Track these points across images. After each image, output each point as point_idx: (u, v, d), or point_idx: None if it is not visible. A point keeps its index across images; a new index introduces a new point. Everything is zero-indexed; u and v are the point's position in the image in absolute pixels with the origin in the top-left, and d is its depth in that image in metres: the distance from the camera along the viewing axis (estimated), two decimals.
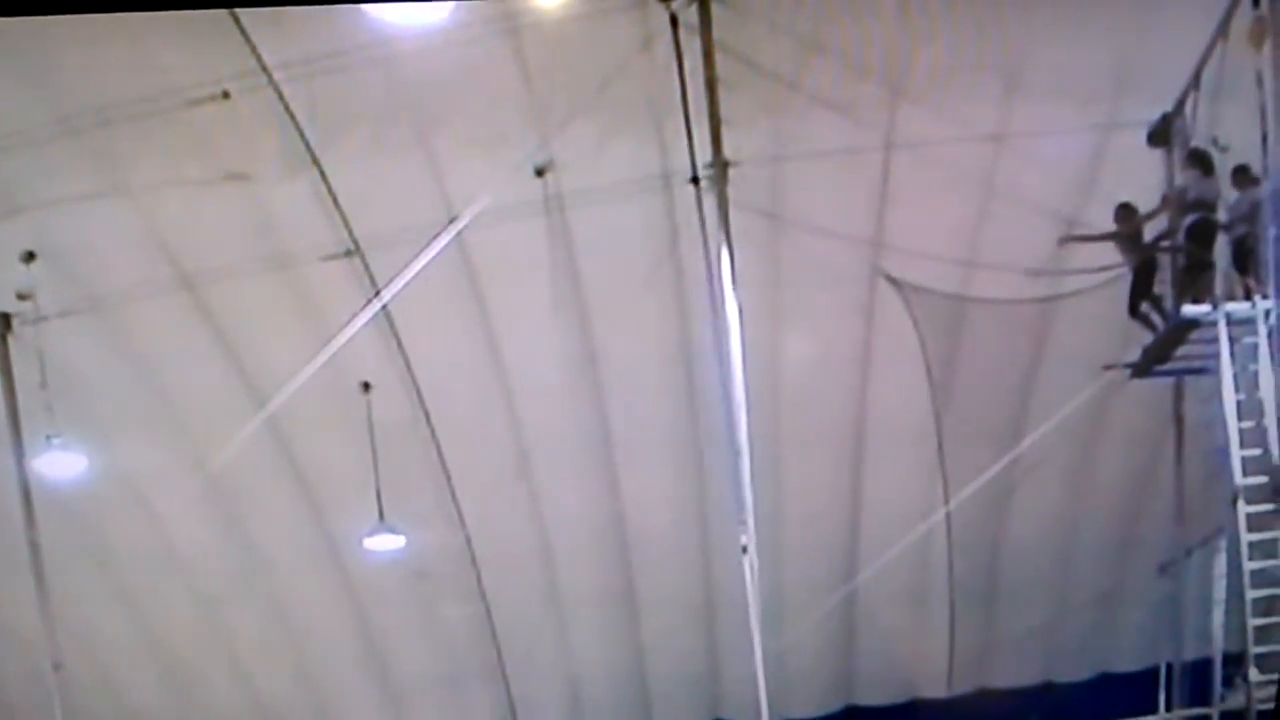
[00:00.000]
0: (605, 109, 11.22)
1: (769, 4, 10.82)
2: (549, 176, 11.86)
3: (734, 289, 11.50)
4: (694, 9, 10.81)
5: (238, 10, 10.05)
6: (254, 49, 10.56)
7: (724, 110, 11.09)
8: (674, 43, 10.87)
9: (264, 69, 10.68)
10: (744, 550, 11.70)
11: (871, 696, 16.19)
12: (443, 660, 15.40)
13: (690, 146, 11.55)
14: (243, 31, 10.41)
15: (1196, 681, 14.09)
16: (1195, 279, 11.99)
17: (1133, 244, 12.23)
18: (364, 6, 10.11)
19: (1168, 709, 14.46)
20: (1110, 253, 12.52)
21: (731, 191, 11.50)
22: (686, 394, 13.68)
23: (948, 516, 14.27)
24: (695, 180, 11.69)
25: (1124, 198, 12.21)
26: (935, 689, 15.89)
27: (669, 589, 15.08)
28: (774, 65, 11.18)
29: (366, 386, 13.27)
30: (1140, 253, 12.22)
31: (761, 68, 11.14)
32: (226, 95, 10.80)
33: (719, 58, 10.89)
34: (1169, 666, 14.48)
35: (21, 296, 12.00)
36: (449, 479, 13.98)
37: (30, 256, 11.78)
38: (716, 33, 10.79)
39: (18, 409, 12.41)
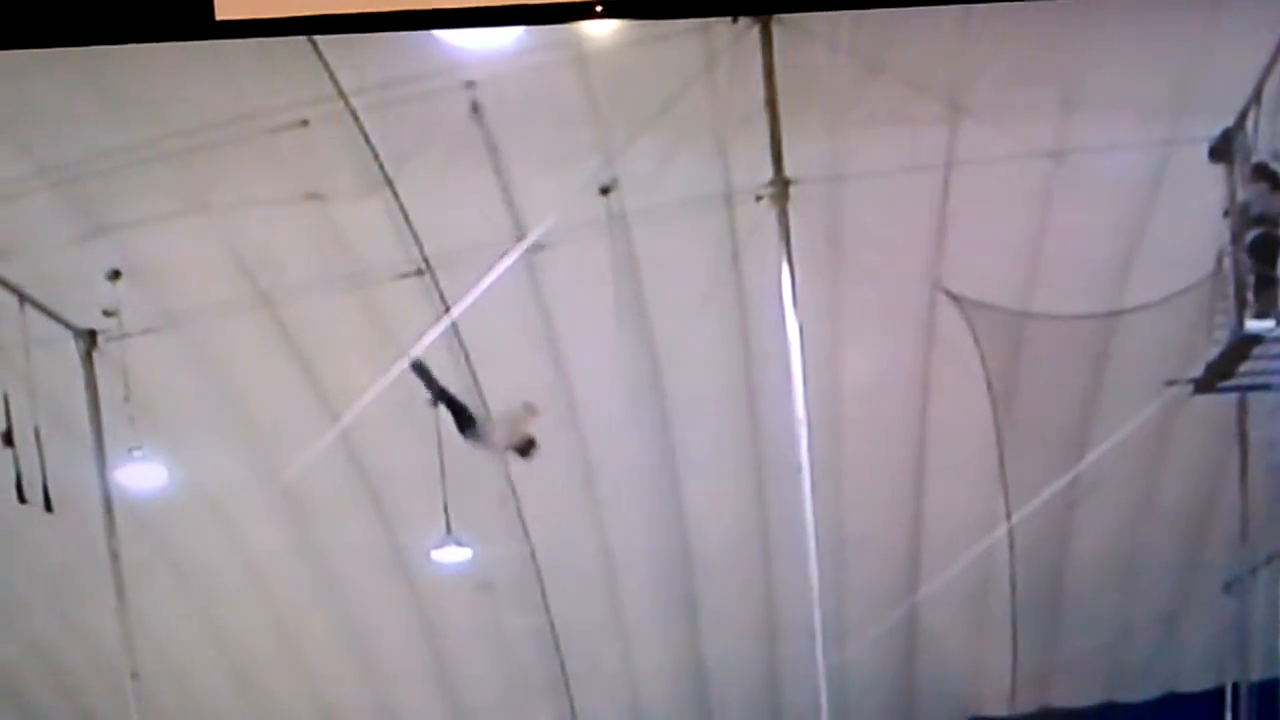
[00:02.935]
0: (668, 128, 11.47)
1: (829, 24, 11.02)
2: (613, 195, 12.12)
3: (794, 306, 11.71)
4: (755, 30, 11.05)
5: (316, 37, 10.42)
6: (331, 74, 10.95)
7: (785, 129, 11.32)
8: (734, 63, 11.11)
9: (340, 93, 11.06)
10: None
11: (933, 715, 16.14)
12: (507, 671, 15.61)
13: (752, 166, 11.79)
14: (321, 58, 10.81)
15: (1264, 702, 13.98)
16: (1259, 294, 12.01)
17: None
18: (436, 32, 10.44)
19: None
20: (1176, 271, 12.59)
21: (792, 209, 11.73)
22: (749, 410, 13.83)
23: (1009, 533, 14.28)
24: (758, 199, 11.92)
25: (1186, 213, 12.27)
26: (997, 708, 15.82)
27: (731, 603, 15.19)
28: (834, 83, 11.37)
29: (436, 402, 13.57)
30: None
31: (821, 86, 11.34)
32: (305, 123, 11.21)
33: (780, 77, 11.13)
34: (1236, 687, 14.37)
35: (107, 313, 12.43)
36: (514, 492, 14.23)
37: (116, 275, 12.22)
38: (777, 52, 11.03)
39: (101, 422, 12.85)
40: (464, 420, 12.22)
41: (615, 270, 12.56)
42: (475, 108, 11.24)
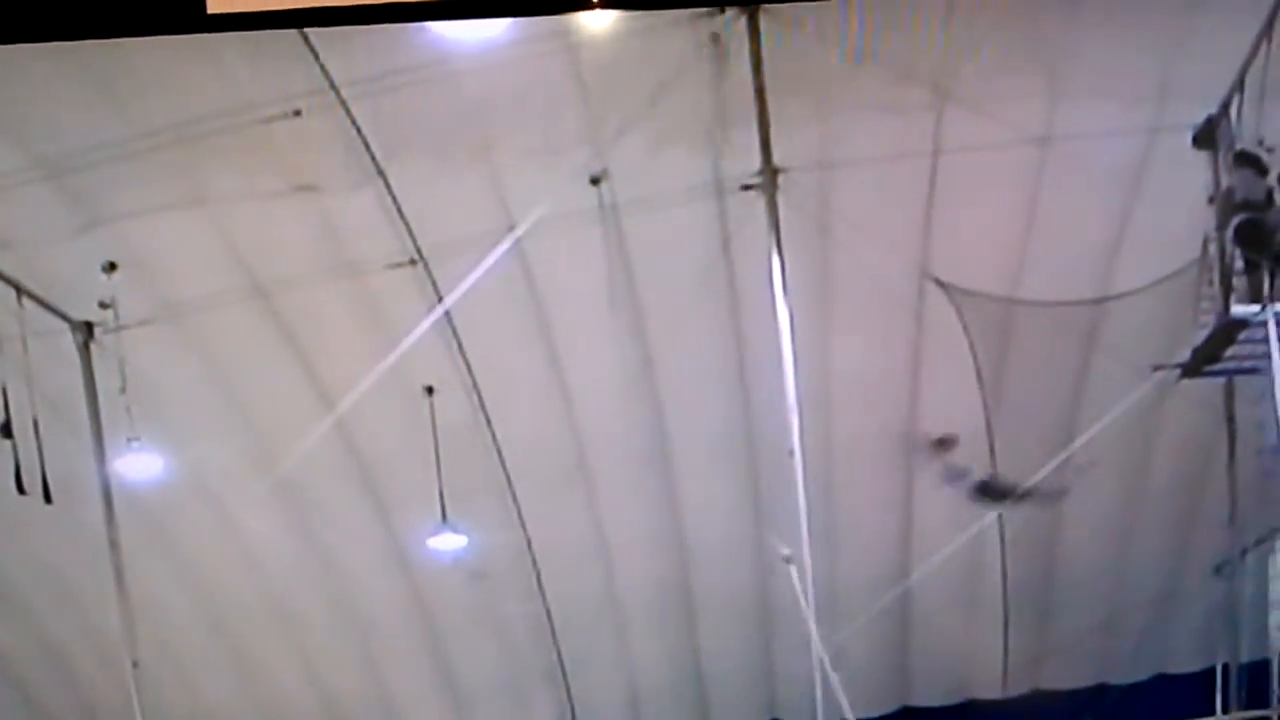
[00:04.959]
0: (657, 119, 11.57)
1: (814, 13, 11.11)
2: (604, 185, 12.22)
3: (784, 294, 11.82)
4: (743, 21, 11.15)
5: (307, 30, 10.51)
6: (323, 67, 11.05)
7: (773, 118, 11.42)
8: (722, 54, 11.20)
9: (332, 86, 11.15)
10: (787, 561, 11.97)
11: (926, 697, 16.29)
12: (503, 658, 15.75)
13: (741, 155, 11.88)
14: (312, 50, 10.90)
15: (1254, 683, 14.10)
16: (1245, 278, 12.13)
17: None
18: (427, 24, 10.53)
19: (1225, 711, 14.47)
20: (1162, 257, 12.70)
21: (781, 198, 11.83)
22: (740, 398, 13.95)
23: (1000, 518, 14.40)
24: (746, 187, 12.02)
25: (1171, 199, 12.39)
26: (990, 690, 15.97)
27: (725, 589, 15.32)
28: (821, 73, 11.46)
29: (430, 390, 13.68)
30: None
31: (809, 75, 11.43)
32: (298, 113, 11.29)
33: (767, 67, 11.22)
34: (1226, 668, 14.50)
35: (103, 305, 12.53)
36: (509, 480, 14.35)
37: (112, 267, 12.32)
38: (764, 42, 11.12)
39: (99, 413, 12.96)
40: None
41: (607, 259, 12.66)
42: None
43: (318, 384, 13.29)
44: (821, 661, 12.23)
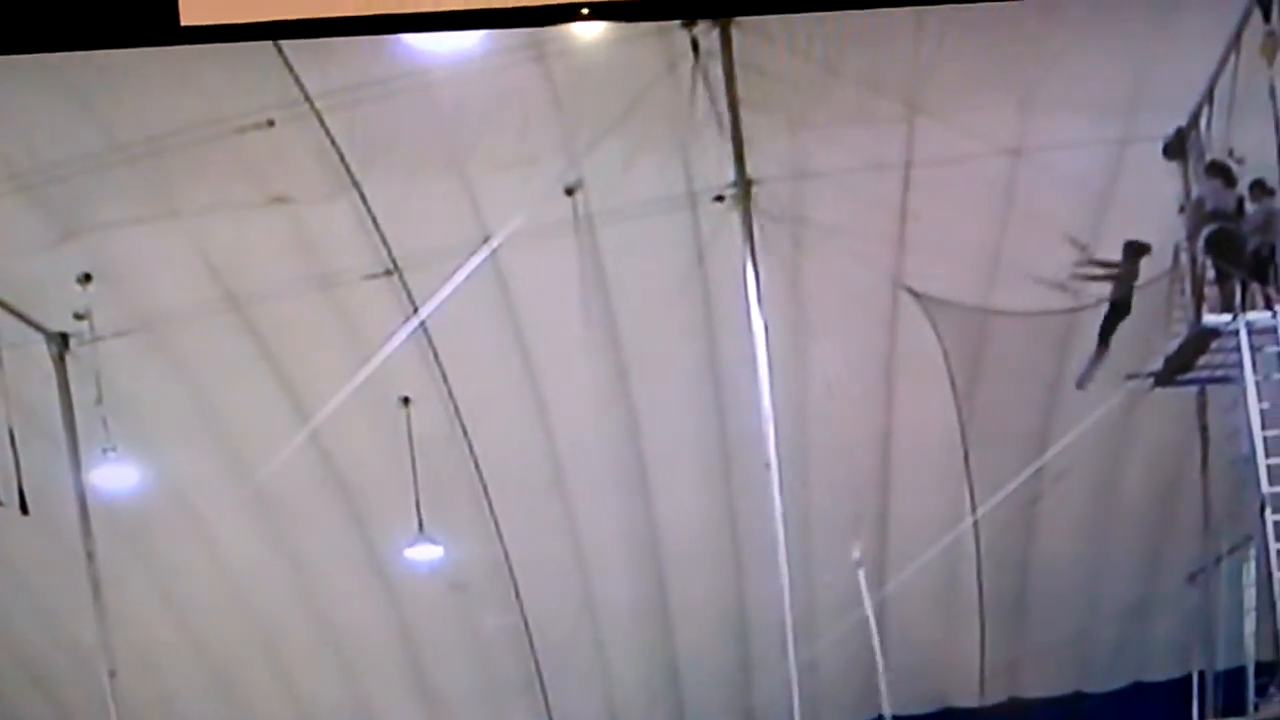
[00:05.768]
0: (632, 130, 11.62)
1: (786, 27, 11.18)
2: (578, 196, 12.27)
3: (759, 305, 11.87)
4: (715, 33, 11.22)
5: (281, 42, 10.55)
6: (297, 78, 11.08)
7: (746, 129, 11.49)
8: (695, 66, 11.27)
9: (306, 97, 11.19)
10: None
11: (903, 706, 16.30)
12: (481, 668, 15.76)
13: (715, 166, 11.94)
14: (286, 62, 10.94)
15: (1230, 691, 14.17)
16: (1216, 288, 12.21)
17: (1126, 281, 12.53)
18: (401, 36, 10.57)
19: (1201, 718, 14.54)
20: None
21: (755, 209, 11.90)
22: (716, 409, 14.00)
23: (975, 527, 14.46)
24: (720, 198, 12.08)
25: (1141, 209, 12.47)
26: (967, 699, 16.03)
27: (702, 600, 15.36)
28: (793, 85, 11.53)
29: (406, 401, 13.71)
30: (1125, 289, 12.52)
31: (781, 87, 11.50)
32: (271, 123, 11.33)
33: (740, 79, 11.29)
34: (1202, 675, 14.57)
35: (78, 317, 12.55)
36: (485, 491, 14.37)
37: (87, 278, 12.34)
38: (737, 55, 11.19)
39: (75, 423, 12.97)
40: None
41: (582, 270, 12.71)
42: None
43: (293, 395, 13.31)
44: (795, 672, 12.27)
